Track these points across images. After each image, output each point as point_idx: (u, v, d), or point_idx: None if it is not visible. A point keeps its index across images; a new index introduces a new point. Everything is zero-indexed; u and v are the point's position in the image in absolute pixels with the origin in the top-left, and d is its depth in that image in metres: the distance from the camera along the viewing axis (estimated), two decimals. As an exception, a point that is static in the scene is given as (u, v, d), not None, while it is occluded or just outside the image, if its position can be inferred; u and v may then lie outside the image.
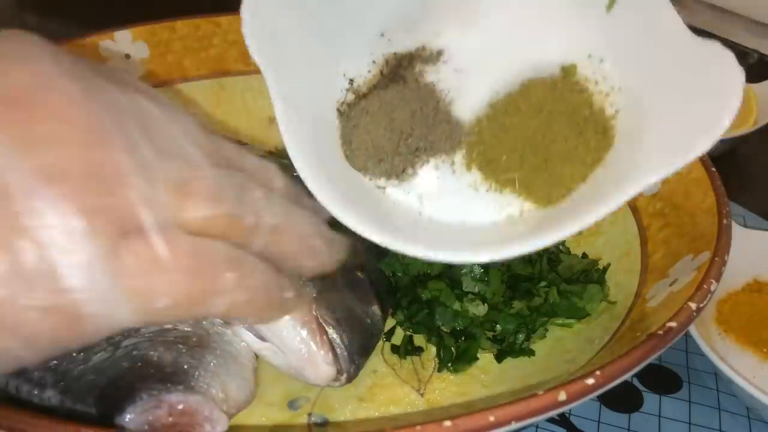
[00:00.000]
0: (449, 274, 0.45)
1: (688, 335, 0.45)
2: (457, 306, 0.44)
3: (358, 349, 0.39)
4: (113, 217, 0.23)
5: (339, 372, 0.38)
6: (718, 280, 0.36)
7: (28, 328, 0.23)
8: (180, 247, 0.25)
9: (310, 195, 0.31)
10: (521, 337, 0.44)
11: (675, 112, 0.29)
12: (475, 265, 0.45)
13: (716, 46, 0.28)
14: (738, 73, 0.27)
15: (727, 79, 0.27)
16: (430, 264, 0.46)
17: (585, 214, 0.29)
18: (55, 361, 0.35)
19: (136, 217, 0.24)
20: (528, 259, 0.47)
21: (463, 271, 0.45)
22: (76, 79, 0.24)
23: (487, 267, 0.45)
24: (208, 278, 0.26)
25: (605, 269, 0.47)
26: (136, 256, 0.24)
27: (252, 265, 0.28)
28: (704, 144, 0.27)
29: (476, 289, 0.45)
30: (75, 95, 0.24)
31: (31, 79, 0.24)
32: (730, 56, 0.27)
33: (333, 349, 0.38)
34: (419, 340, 0.45)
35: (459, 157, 0.36)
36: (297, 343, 0.38)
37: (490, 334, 0.44)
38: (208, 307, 0.26)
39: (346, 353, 0.38)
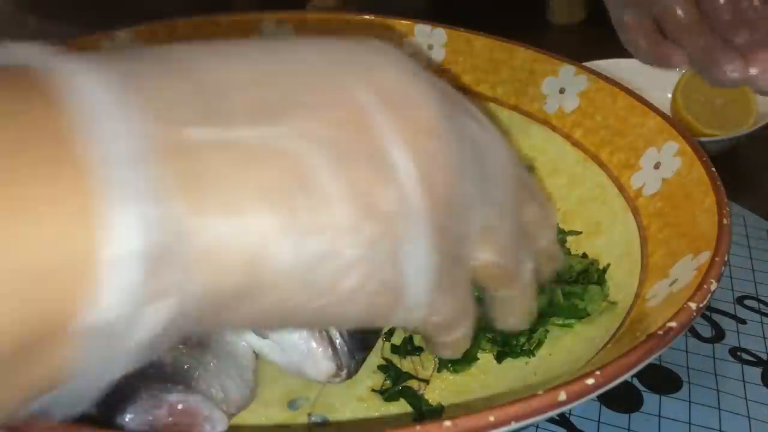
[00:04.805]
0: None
1: (687, 335, 0.45)
2: None
3: (358, 345, 0.39)
4: (453, 241, 0.25)
5: (339, 367, 0.38)
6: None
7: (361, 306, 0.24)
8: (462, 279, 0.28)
9: None
10: (522, 339, 0.44)
11: None
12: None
13: None
14: None
15: None
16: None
17: None
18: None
19: (462, 245, 0.26)
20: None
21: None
22: (435, 90, 0.25)
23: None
24: (460, 310, 0.29)
25: (605, 269, 0.47)
26: (447, 277, 0.26)
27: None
28: None
29: (475, 294, 0.45)
30: (436, 110, 0.24)
31: (399, 85, 0.24)
32: None
33: (333, 344, 0.38)
34: (419, 340, 0.45)
35: None
36: (297, 339, 0.38)
37: (490, 335, 0.44)
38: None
39: (346, 348, 0.38)
